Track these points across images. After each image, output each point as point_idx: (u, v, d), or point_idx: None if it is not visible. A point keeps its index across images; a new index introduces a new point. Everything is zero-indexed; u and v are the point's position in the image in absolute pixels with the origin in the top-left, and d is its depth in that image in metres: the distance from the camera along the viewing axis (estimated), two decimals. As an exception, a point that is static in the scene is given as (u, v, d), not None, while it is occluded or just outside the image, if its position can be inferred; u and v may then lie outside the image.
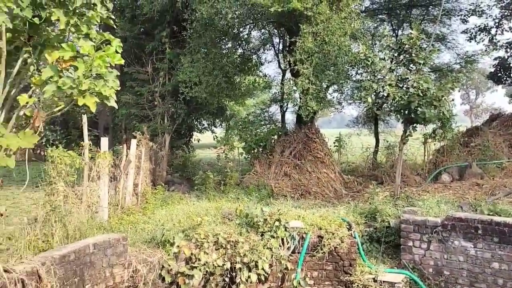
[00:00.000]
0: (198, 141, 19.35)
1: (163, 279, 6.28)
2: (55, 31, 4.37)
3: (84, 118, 8.18)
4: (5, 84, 4.01)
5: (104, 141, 8.75)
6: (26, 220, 6.04)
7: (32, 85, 3.99)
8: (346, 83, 13.51)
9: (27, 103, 3.85)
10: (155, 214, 9.09)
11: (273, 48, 17.18)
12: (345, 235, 7.44)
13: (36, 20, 3.88)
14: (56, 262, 4.95)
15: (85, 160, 7.83)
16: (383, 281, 7.15)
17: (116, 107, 4.08)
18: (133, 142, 10.78)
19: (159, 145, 15.19)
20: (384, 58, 10.19)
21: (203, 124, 19.65)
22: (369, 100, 9.92)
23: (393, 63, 10.14)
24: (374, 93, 10.62)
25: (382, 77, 9.97)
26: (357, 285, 7.16)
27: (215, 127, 20.19)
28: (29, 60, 4.16)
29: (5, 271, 4.39)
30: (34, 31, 4.10)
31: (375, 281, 7.15)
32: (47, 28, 4.23)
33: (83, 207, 7.76)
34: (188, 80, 13.55)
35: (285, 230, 7.18)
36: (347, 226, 7.71)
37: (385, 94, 10.03)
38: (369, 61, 9.69)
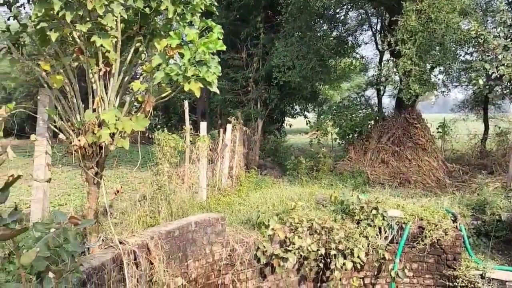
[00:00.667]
0: (290, 126, 19.39)
1: (258, 260, 6.45)
2: (162, 20, 4.60)
3: (186, 103, 8.64)
4: (119, 72, 4.36)
5: (203, 126, 9.16)
6: (137, 196, 6.56)
7: (143, 72, 4.28)
8: (454, 64, 12.44)
9: (139, 89, 4.14)
10: (249, 196, 9.34)
11: (370, 29, 16.45)
12: (449, 227, 6.93)
13: (146, 10, 4.12)
14: (162, 237, 5.33)
15: (186, 143, 8.28)
16: (492, 278, 6.56)
17: (218, 92, 4.21)
18: (229, 127, 11.14)
19: (252, 130, 15.53)
20: (499, 35, 9.14)
21: (296, 109, 19.62)
22: (480, 82, 9.02)
23: (508, 40, 9.05)
24: (486, 75, 9.63)
25: (494, 57, 8.98)
26: (462, 281, 6.66)
27: (308, 112, 20.04)
28: (140, 49, 4.46)
29: (120, 242, 4.83)
30: (144, 21, 4.36)
31: (482, 277, 6.59)
32: (155, 18, 4.48)
33: (184, 187, 8.26)
34: (282, 64, 13.57)
35: (383, 219, 6.90)
36: (452, 218, 7.17)
37: (499, 75, 9.02)
38: (481, 39, 8.77)
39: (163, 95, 4.51)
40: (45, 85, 4.29)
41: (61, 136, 4.40)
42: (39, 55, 4.40)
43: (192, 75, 4.02)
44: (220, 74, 4.22)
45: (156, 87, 4.58)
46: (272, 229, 6.50)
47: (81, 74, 4.54)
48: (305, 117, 18.85)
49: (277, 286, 6.69)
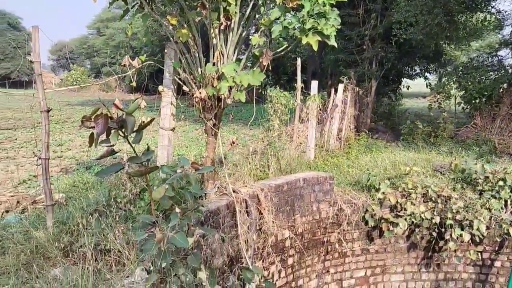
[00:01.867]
0: (408, 88, 18.15)
1: (366, 222, 6.32)
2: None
3: (298, 60, 8.55)
4: (238, 26, 4.43)
5: (314, 85, 9.03)
6: (250, 150, 6.81)
7: (261, 26, 4.29)
8: None
9: (257, 42, 4.17)
10: (358, 159, 9.11)
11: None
12: None
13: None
14: (272, 190, 5.50)
15: (297, 101, 8.27)
16: None
17: (336, 45, 4.04)
18: (340, 87, 10.82)
19: (365, 91, 14.91)
20: None
21: (415, 70, 18.23)
22: None
23: None
24: None
25: None
26: None
27: (429, 73, 18.48)
28: (259, 2, 4.46)
29: (234, 191, 5.10)
30: (264, -26, 4.32)
31: None
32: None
33: (293, 145, 8.35)
34: (403, 20, 12.57)
35: (511, 191, 6.19)
36: None
37: None
38: None
39: (280, 49, 4.50)
40: (172, 39, 4.57)
41: (184, 88, 4.70)
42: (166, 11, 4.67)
43: (310, 28, 3.91)
44: (339, 27, 4.04)
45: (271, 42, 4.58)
46: (383, 192, 6.28)
47: (203, 29, 4.73)
48: (426, 78, 17.39)
49: (385, 250, 6.53)
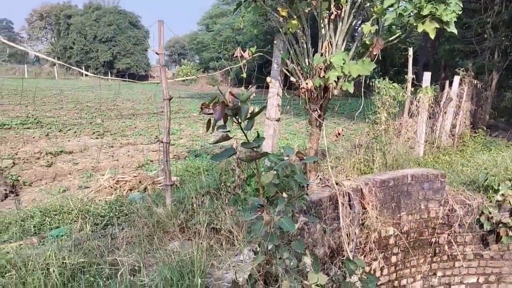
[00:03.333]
0: (536, 82, 16.09)
1: (481, 225, 5.81)
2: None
3: (410, 50, 8.11)
4: (349, 15, 4.36)
5: (427, 76, 8.49)
6: (356, 141, 6.68)
7: (373, 14, 4.16)
8: None
9: (369, 31, 4.07)
10: (474, 157, 8.38)
11: None
12: None
13: None
14: (376, 185, 5.33)
15: (407, 94, 7.87)
16: None
17: (456, 32, 3.76)
18: (456, 79, 10.02)
19: (484, 84, 13.56)
20: None
21: (546, 61, 16.05)
22: None
23: None
24: None
25: None
26: None
27: None
28: (371, -10, 4.34)
29: (336, 183, 5.06)
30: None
31: None
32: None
33: (400, 140, 7.96)
34: (534, 5, 11.13)
35: None
36: None
37: None
38: None
39: (392, 38, 4.33)
40: (281, 30, 4.66)
41: (291, 79, 4.78)
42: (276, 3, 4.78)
43: (428, 14, 3.69)
44: (461, 12, 3.74)
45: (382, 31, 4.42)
46: (503, 194, 5.70)
47: (312, 19, 4.75)
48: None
49: (501, 257, 5.94)
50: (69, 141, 11.84)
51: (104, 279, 2.76)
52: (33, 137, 11.70)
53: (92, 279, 2.79)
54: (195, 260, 2.85)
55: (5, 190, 6.58)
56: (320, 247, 4.74)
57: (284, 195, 2.98)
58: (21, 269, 2.79)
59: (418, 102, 8.08)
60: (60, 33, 62.81)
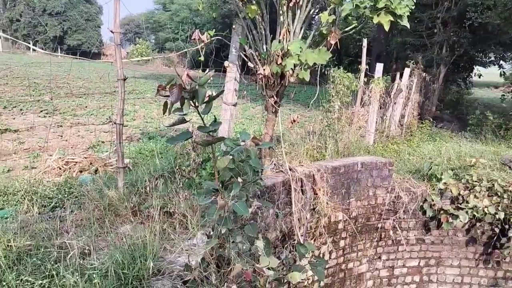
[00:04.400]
0: (480, 77, 17.04)
1: (424, 212, 6.16)
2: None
3: (364, 41, 8.33)
4: (307, 4, 4.41)
5: (379, 67, 8.77)
6: (310, 128, 6.82)
7: (331, 4, 4.23)
8: None
9: (326, 21, 4.13)
10: (420, 147, 8.81)
11: None
12: None
13: None
14: (328, 171, 5.50)
15: (360, 84, 8.10)
16: None
17: (408, 25, 3.91)
18: (406, 71, 10.42)
19: (432, 77, 14.21)
20: None
21: (489, 57, 17.04)
22: None
23: None
24: None
25: None
26: None
27: (504, 61, 17.21)
28: (330, -20, 4.39)
29: (290, 169, 5.17)
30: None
31: None
32: None
33: (352, 128, 8.22)
34: (480, 3, 11.74)
35: None
36: None
37: None
38: None
39: (348, 28, 4.43)
40: (240, 15, 4.64)
41: (249, 64, 4.78)
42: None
43: (383, 7, 3.81)
44: (413, 7, 3.90)
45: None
46: (445, 183, 6.06)
47: (271, 5, 4.75)
48: (500, 67, 16.21)
49: (441, 242, 6.34)
50: (14, 119, 11.23)
51: (52, 263, 2.69)
52: (-26, 114, 10.99)
53: (39, 262, 2.71)
54: (148, 243, 2.83)
55: None
56: (273, 231, 4.85)
57: (239, 179, 3.01)
58: (-39, 253, 2.66)
59: (370, 92, 8.35)
60: (6, 4, 58.63)
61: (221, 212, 2.89)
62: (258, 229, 3.42)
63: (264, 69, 4.63)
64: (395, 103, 10.14)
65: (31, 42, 49.64)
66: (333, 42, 4.17)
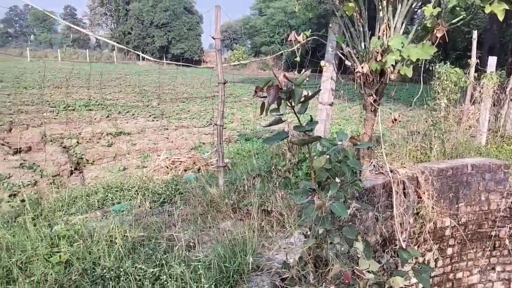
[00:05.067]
0: None
1: (548, 221, 5.46)
2: None
3: (475, 33, 7.64)
4: (409, -4, 4.18)
5: (492, 61, 7.96)
6: (413, 129, 6.45)
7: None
8: None
9: (430, 14, 3.87)
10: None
11: None
12: None
13: None
14: (433, 174, 5.14)
15: (470, 79, 7.45)
16: None
17: (528, 13, 3.50)
18: (526, 63, 9.31)
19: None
20: None
21: None
22: None
23: None
24: None
25: None
26: None
27: None
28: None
29: (391, 171, 4.94)
30: None
31: None
32: None
33: (461, 128, 7.58)
34: None
35: None
36: None
37: None
38: None
39: (455, 20, 4.10)
40: (337, 13, 4.57)
41: (346, 62, 4.68)
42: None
43: (498, -6, 3.46)
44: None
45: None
46: None
47: (369, 1, 4.60)
48: None
49: None
50: (127, 123, 12.40)
51: (162, 253, 2.91)
52: (95, 119, 12.37)
53: (150, 252, 2.95)
54: (247, 239, 2.92)
55: (71, 167, 7.05)
56: (372, 234, 4.68)
57: (337, 180, 2.96)
58: (87, 239, 3.00)
59: (482, 88, 7.62)
60: (119, 19, 65.21)
61: (318, 212, 2.87)
62: (356, 231, 3.33)
63: (362, 67, 4.50)
64: (511, 99, 9.13)
65: (140, 53, 54.45)
66: (439, 35, 3.89)
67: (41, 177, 6.25)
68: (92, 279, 2.64)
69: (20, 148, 8.13)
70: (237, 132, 11.53)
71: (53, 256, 2.81)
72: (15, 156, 7.56)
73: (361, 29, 4.53)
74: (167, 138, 10.56)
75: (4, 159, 7.27)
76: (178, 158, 6.15)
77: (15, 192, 5.38)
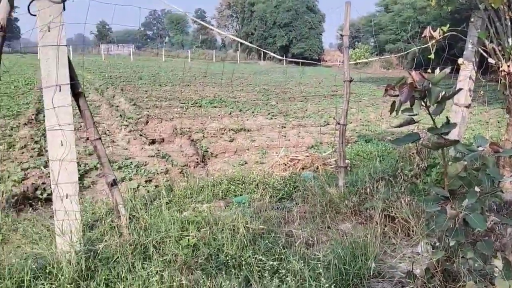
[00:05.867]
0: None
1: None
2: None
3: None
4: None
5: None
6: None
7: None
8: None
9: None
10: None
11: None
12: None
13: None
14: None
15: None
16: None
17: None
18: None
19: None
20: None
21: None
22: None
23: None
24: None
25: None
26: None
27: None
28: None
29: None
30: None
31: None
32: None
33: None
34: None
35: None
36: None
37: None
38: None
39: None
40: (480, 6, 4.13)
41: (490, 60, 4.21)
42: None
43: None
44: None
45: None
46: None
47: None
48: None
49: None
50: (247, 120, 12.94)
51: (281, 247, 2.96)
52: (219, 115, 13.17)
53: (270, 245, 3.03)
54: (368, 244, 2.82)
55: (197, 159, 7.60)
56: (510, 253, 4.14)
57: (477, 189, 2.68)
58: (213, 226, 3.20)
59: None
60: (244, 20, 68.38)
61: (451, 223, 2.63)
62: (494, 248, 2.98)
63: (508, 65, 4.00)
64: None
65: (261, 53, 56.41)
66: None
67: (172, 166, 6.86)
68: (216, 265, 2.80)
69: (155, 139, 9.03)
70: (357, 133, 11.21)
71: (183, 239, 3.06)
72: (151, 146, 8.43)
73: (509, 23, 4.03)
74: (285, 136, 10.74)
75: (142, 148, 8.15)
76: (296, 156, 6.21)
77: (150, 178, 5.99)
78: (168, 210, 3.50)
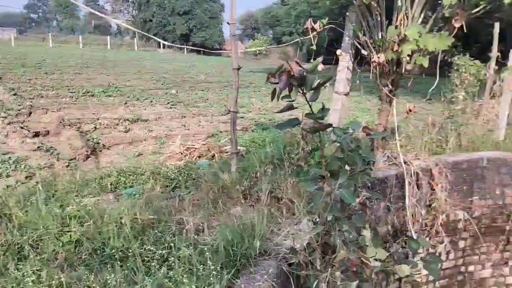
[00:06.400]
0: None
1: None
2: None
3: (496, 26, 7.43)
4: (428, -15, 4.10)
5: (515, 53, 7.74)
6: (429, 120, 6.35)
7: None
8: None
9: (450, 3, 3.79)
10: None
11: None
12: None
13: None
14: (448, 166, 5.08)
15: (489, 72, 7.27)
16: None
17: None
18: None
19: None
20: None
21: None
22: None
23: None
24: None
25: None
26: None
27: None
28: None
29: (404, 162, 4.90)
30: None
31: None
32: None
33: (479, 121, 7.44)
34: None
35: None
36: None
37: None
38: None
39: (476, 10, 4.01)
40: (354, 1, 4.51)
41: (363, 52, 4.63)
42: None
43: (519, -17, 3.37)
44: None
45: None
46: None
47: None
48: None
49: None
50: (145, 109, 12.55)
51: (171, 236, 2.98)
52: (113, 105, 12.55)
53: (160, 234, 3.02)
54: (256, 224, 2.96)
55: (87, 151, 7.20)
56: (383, 225, 4.67)
57: (347, 167, 2.97)
58: (97, 220, 3.09)
59: (502, 81, 7.44)
60: (141, 6, 65.43)
61: (327, 199, 2.88)
62: (367, 221, 3.33)
63: (378, 57, 4.45)
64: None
65: (161, 40, 54.70)
66: (457, 26, 3.82)
67: (58, 160, 6.41)
68: (101, 259, 2.72)
69: (39, 131, 8.33)
70: (255, 121, 11.55)
71: (64, 235, 2.90)
72: (34, 139, 7.76)
73: (379, 18, 4.46)
74: (184, 126, 10.65)
75: (23, 142, 7.46)
76: (193, 145, 6.22)
77: (31, 174, 5.54)
78: (47, 206, 3.28)
